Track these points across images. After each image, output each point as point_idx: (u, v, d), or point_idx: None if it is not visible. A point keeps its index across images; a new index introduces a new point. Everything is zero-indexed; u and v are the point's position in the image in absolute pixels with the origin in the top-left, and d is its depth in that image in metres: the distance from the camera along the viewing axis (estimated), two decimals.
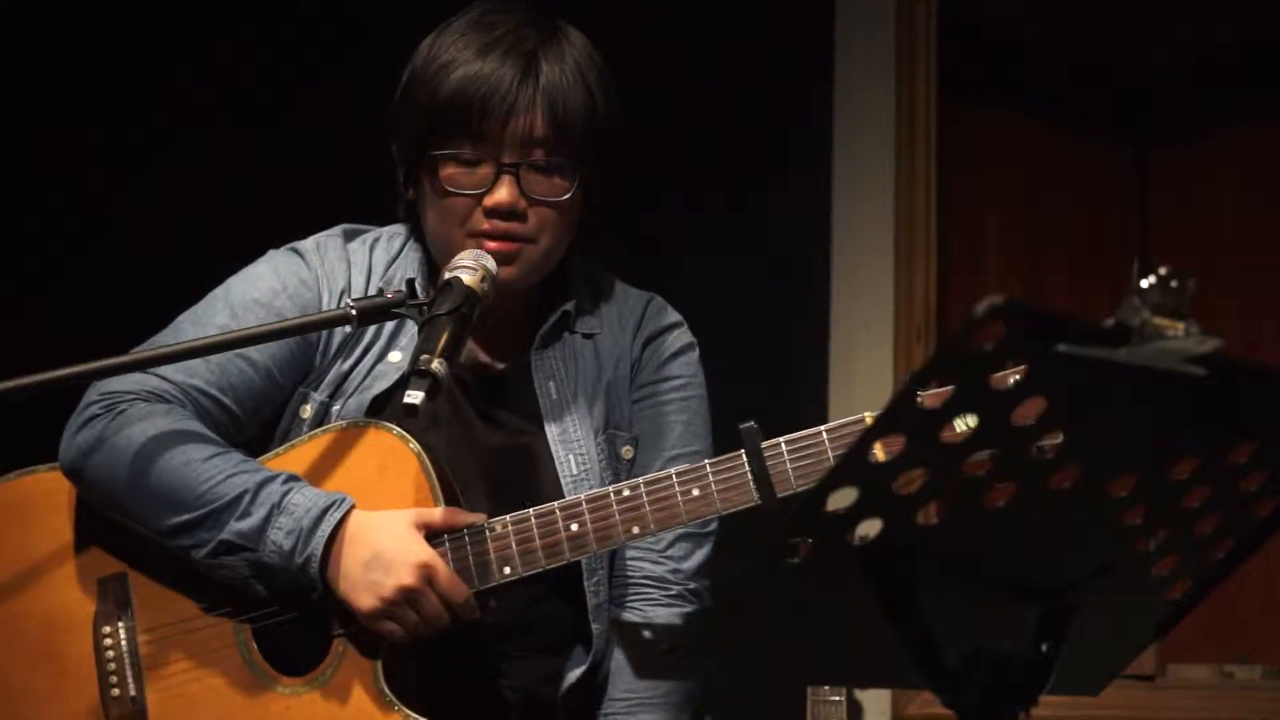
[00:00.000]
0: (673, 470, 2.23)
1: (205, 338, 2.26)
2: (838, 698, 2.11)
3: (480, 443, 2.35)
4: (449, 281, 2.21)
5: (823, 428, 2.22)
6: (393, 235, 2.43)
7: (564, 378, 2.39)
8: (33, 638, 2.27)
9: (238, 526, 2.19)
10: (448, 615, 2.19)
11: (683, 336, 2.48)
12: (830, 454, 2.19)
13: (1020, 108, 4.44)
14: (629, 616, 2.38)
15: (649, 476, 2.24)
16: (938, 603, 1.49)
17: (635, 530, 2.22)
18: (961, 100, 4.21)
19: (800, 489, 2.19)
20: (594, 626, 2.35)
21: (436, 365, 2.09)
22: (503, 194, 2.26)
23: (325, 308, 2.34)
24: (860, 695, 3.74)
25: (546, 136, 2.26)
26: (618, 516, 2.22)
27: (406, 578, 2.16)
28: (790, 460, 2.20)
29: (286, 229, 3.49)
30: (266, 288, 2.34)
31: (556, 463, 2.34)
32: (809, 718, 2.12)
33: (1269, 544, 1.60)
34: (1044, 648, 1.54)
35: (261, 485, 2.20)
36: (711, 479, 2.21)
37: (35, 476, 2.31)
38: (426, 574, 2.17)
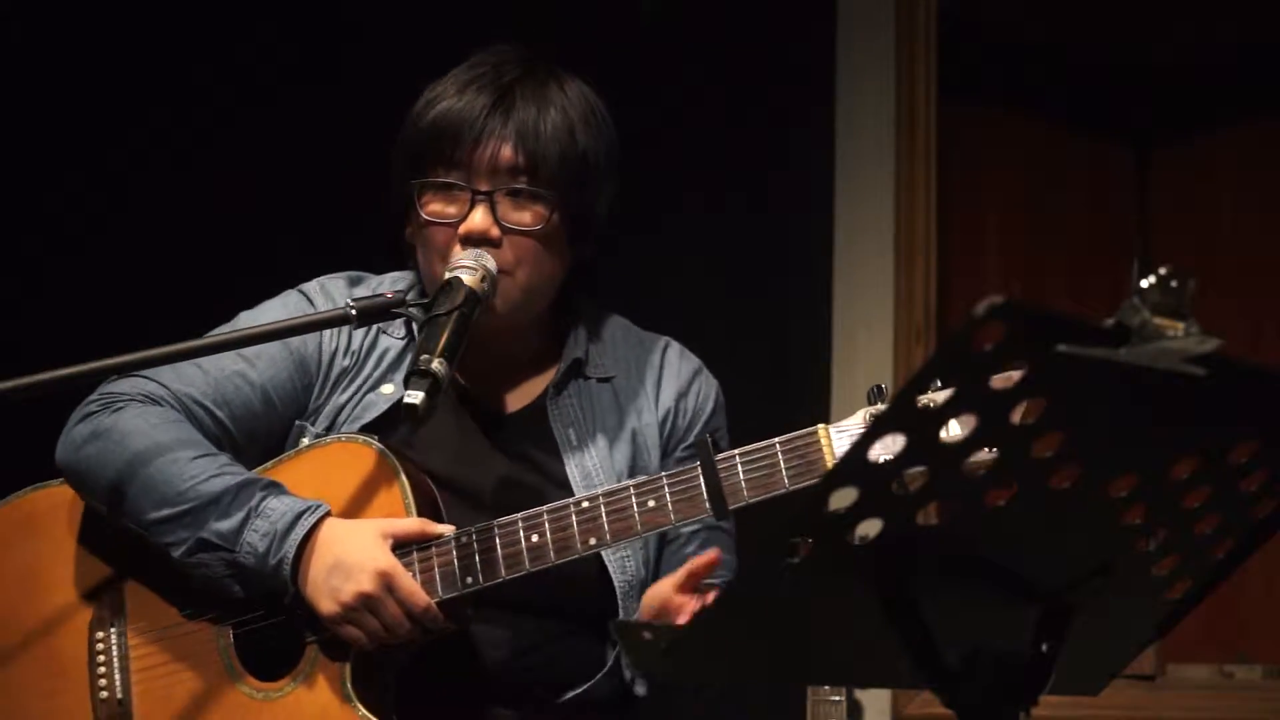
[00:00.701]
0: (630, 481, 2.25)
1: (210, 337, 2.28)
2: (838, 698, 2.11)
3: (497, 473, 2.37)
4: (449, 281, 2.22)
5: (776, 440, 2.22)
6: (397, 280, 2.45)
7: (583, 423, 2.40)
8: (34, 640, 2.33)
9: (216, 526, 2.22)
10: (409, 623, 2.20)
11: (712, 383, 2.51)
12: (783, 466, 2.19)
13: (1020, 108, 4.44)
14: None
15: (608, 488, 2.25)
16: (938, 603, 1.49)
17: (592, 541, 2.23)
18: (961, 100, 4.21)
19: (752, 500, 2.20)
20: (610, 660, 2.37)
21: (437, 365, 2.09)
22: (476, 221, 2.28)
23: (325, 340, 2.38)
24: (860, 695, 3.74)
25: (519, 165, 2.29)
26: (575, 528, 2.23)
27: (365, 584, 2.18)
28: (744, 472, 2.20)
29: (286, 235, 3.50)
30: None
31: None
32: (809, 718, 2.12)
33: (1269, 544, 1.60)
34: (1044, 648, 1.54)
35: (242, 487, 2.23)
36: (667, 490, 2.22)
37: (45, 491, 2.37)
38: (385, 581, 2.19)
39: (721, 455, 2.20)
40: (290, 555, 2.20)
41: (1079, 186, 4.49)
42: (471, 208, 2.29)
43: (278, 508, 2.22)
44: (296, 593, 2.22)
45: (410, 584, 2.20)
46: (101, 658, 2.30)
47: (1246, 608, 4.09)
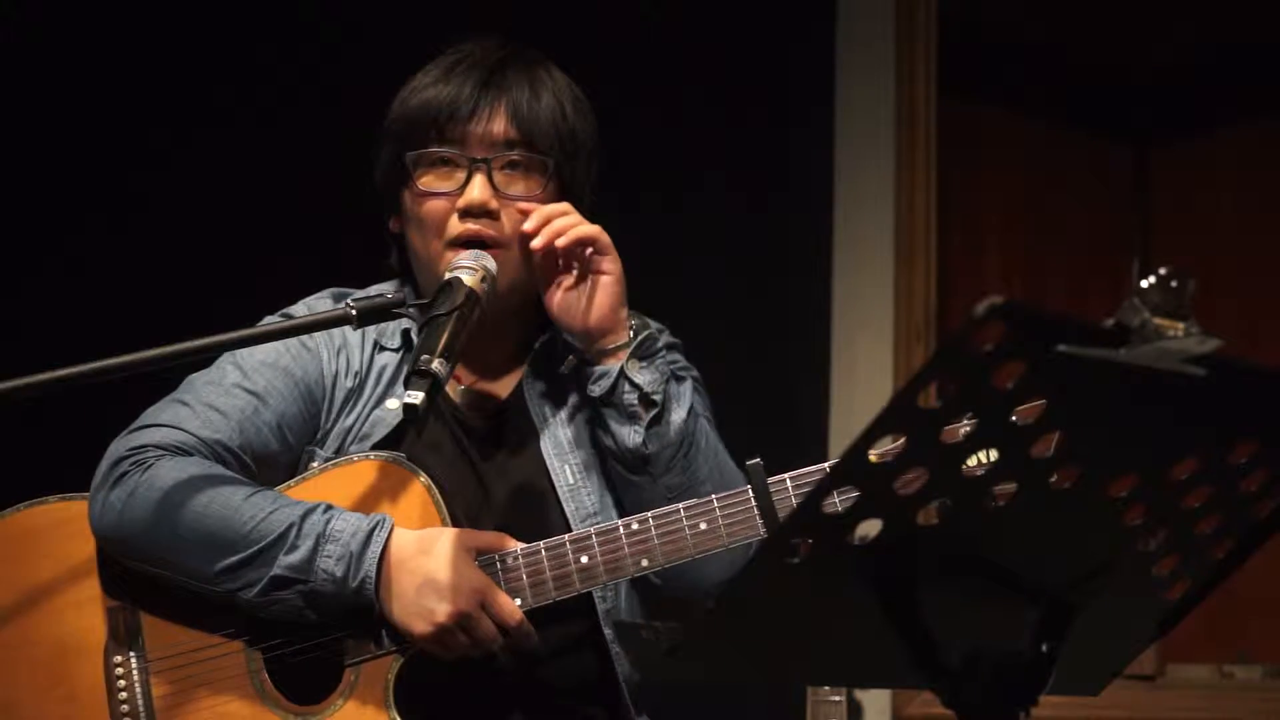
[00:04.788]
0: (680, 505, 2.25)
1: (214, 338, 2.24)
2: (838, 698, 2.11)
3: (481, 472, 2.36)
4: (449, 281, 2.21)
5: (826, 464, 2.25)
6: (383, 290, 2.43)
7: (554, 398, 2.41)
8: (43, 664, 2.27)
9: (287, 560, 2.19)
10: (502, 638, 2.21)
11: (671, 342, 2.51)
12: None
13: (1020, 108, 4.44)
14: None
15: (657, 511, 2.25)
16: (938, 603, 1.49)
17: (644, 563, 2.24)
18: (961, 100, 4.22)
19: None
20: (618, 670, 2.36)
21: (437, 365, 2.08)
22: (475, 192, 2.29)
23: (326, 365, 2.37)
24: (860, 695, 3.74)
25: (513, 137, 2.31)
26: (626, 549, 2.24)
27: (461, 603, 2.18)
28: (795, 496, 2.22)
29: (288, 236, 3.49)
30: (271, 349, 2.36)
31: (552, 474, 2.36)
32: (809, 718, 2.12)
33: (1269, 544, 1.60)
34: (1044, 648, 1.54)
35: (304, 517, 2.21)
36: (719, 513, 2.23)
37: (45, 507, 2.31)
38: (480, 599, 2.19)
39: (773, 479, 2.20)
40: (372, 574, 2.18)
41: (1079, 186, 4.50)
42: (469, 179, 2.30)
43: (345, 528, 2.20)
44: (380, 611, 2.20)
45: (504, 600, 2.20)
46: (122, 683, 2.25)
47: (1246, 608, 4.09)
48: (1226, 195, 4.44)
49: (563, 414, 2.40)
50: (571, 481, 2.35)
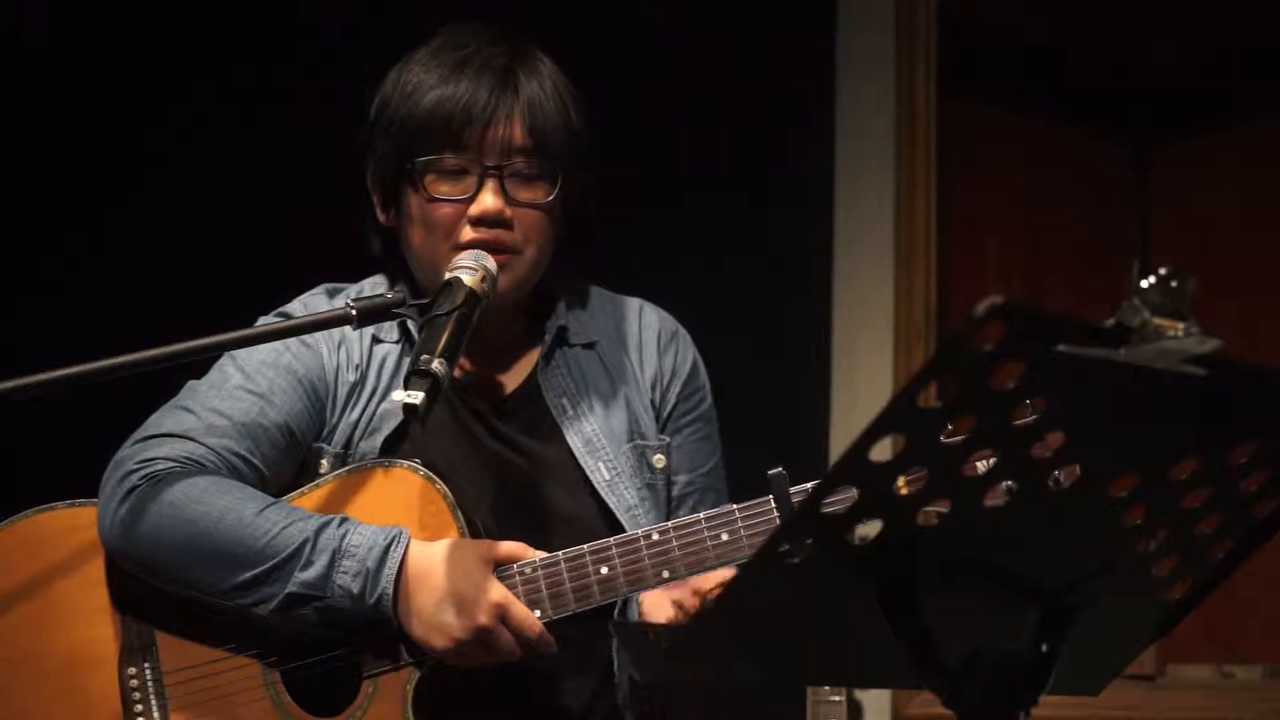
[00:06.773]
0: (701, 514, 2.24)
1: (214, 338, 2.24)
2: (838, 698, 2.11)
3: (501, 464, 2.36)
4: (449, 281, 2.21)
5: None
6: (375, 285, 2.44)
7: (575, 391, 2.40)
8: (54, 674, 2.26)
9: (303, 576, 2.18)
10: (521, 651, 2.20)
11: (688, 340, 2.52)
12: None
13: (1020, 108, 4.44)
14: None
15: (678, 520, 2.25)
16: (938, 603, 1.49)
17: (665, 574, 2.23)
18: (961, 100, 4.22)
19: None
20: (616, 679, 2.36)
21: (437, 365, 2.08)
22: (488, 201, 2.28)
23: (327, 361, 2.36)
24: (860, 695, 3.74)
25: (526, 144, 2.29)
26: (647, 560, 2.22)
27: (480, 618, 2.17)
28: None
29: (288, 236, 3.49)
30: (270, 349, 2.35)
31: (587, 471, 2.35)
32: (809, 718, 2.12)
33: (1269, 544, 1.60)
34: (1044, 648, 1.54)
35: (319, 531, 2.19)
36: (740, 524, 2.22)
37: (53, 514, 2.30)
38: (500, 612, 2.18)
39: (795, 488, 2.18)
40: (389, 590, 2.17)
41: (1079, 186, 4.50)
42: (480, 187, 2.29)
43: (361, 543, 2.18)
44: (398, 625, 2.19)
45: (523, 612, 2.19)
46: (137, 694, 2.24)
47: (1246, 608, 4.09)
48: (1226, 195, 4.44)
49: (584, 405, 2.39)
50: (608, 477, 2.35)
